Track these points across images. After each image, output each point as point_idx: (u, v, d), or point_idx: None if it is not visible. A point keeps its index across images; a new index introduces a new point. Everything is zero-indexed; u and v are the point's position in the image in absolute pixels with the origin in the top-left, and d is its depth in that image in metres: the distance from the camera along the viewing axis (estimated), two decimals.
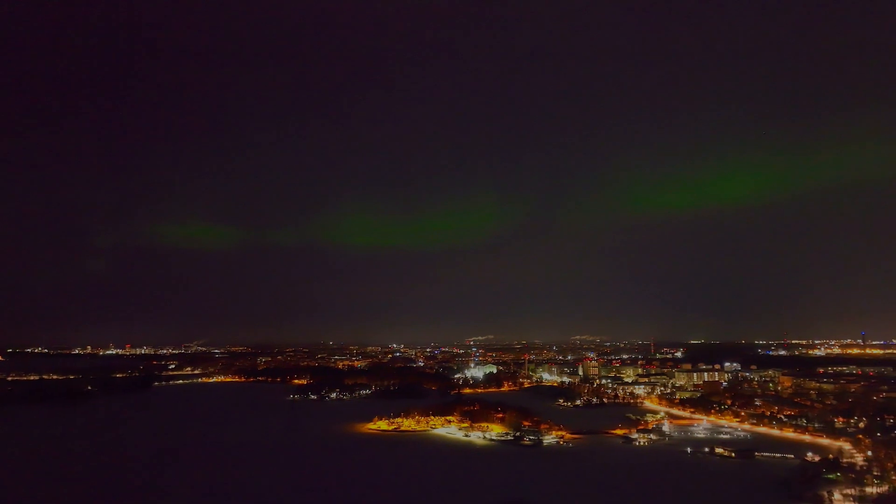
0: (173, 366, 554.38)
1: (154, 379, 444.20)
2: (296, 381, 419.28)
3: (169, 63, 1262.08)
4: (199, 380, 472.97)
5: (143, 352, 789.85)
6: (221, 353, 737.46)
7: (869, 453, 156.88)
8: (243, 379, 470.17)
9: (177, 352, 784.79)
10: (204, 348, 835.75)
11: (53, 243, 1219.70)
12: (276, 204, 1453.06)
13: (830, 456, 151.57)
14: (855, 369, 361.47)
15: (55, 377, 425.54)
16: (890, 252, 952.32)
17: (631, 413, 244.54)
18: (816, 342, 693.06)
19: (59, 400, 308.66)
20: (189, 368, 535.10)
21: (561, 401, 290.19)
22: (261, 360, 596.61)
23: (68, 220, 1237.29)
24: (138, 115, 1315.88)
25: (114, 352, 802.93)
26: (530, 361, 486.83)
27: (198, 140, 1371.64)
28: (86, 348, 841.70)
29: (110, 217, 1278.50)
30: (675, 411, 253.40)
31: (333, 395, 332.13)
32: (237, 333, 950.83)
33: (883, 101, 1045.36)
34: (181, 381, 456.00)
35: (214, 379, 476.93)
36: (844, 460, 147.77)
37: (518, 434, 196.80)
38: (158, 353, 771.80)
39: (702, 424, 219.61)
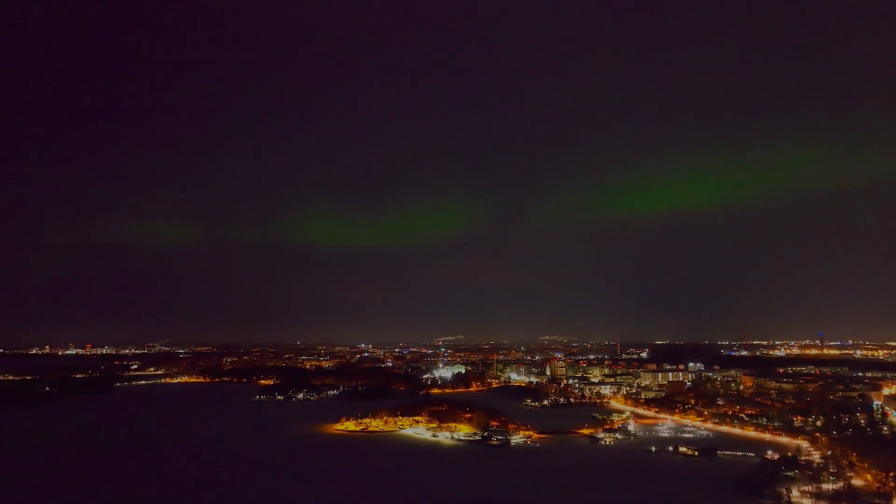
0: (136, 366, 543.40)
1: (115, 379, 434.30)
2: (262, 381, 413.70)
3: (133, 60, 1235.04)
4: (163, 380, 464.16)
5: (104, 352, 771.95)
6: (186, 353, 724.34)
7: (826, 451, 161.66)
8: (208, 379, 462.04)
9: (139, 352, 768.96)
10: (168, 348, 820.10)
11: (9, 239, 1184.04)
12: (242, 202, 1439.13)
13: (789, 454, 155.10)
14: (813, 369, 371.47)
15: (11, 378, 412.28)
16: (846, 257, 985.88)
17: (597, 413, 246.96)
18: (777, 343, 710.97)
19: (15, 402, 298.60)
20: (152, 369, 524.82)
21: (529, 401, 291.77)
22: (226, 361, 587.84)
23: (24, 216, 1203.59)
24: (99, 111, 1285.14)
25: (73, 352, 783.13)
26: (499, 361, 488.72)
27: (161, 136, 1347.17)
28: (44, 348, 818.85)
29: (69, 213, 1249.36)
30: (640, 411, 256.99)
31: (300, 396, 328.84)
32: (202, 333, 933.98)
33: (842, 112, 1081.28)
34: (144, 382, 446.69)
35: (178, 379, 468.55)
36: (802, 458, 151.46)
37: (486, 434, 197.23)
38: (120, 353, 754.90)
39: (666, 424, 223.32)
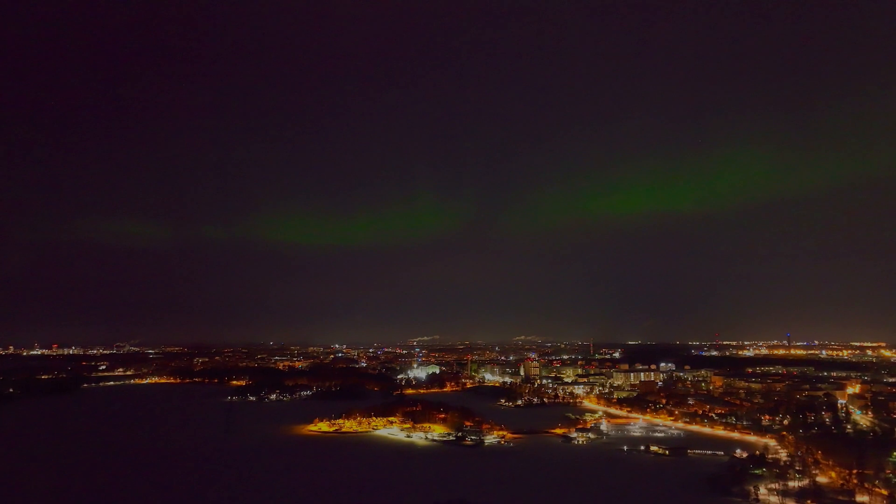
0: (104, 367, 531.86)
1: (83, 380, 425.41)
2: (234, 382, 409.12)
3: (103, 59, 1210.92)
4: (132, 381, 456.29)
5: (71, 352, 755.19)
6: (156, 353, 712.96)
7: (792, 449, 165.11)
8: (179, 380, 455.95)
9: (108, 352, 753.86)
10: (137, 349, 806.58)
11: None
12: (212, 200, 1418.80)
13: (757, 452, 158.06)
14: (780, 369, 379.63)
15: None
16: (813, 260, 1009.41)
17: (570, 413, 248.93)
18: (746, 343, 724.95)
19: None
20: (121, 369, 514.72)
21: (503, 401, 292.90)
22: (197, 361, 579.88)
23: None
24: (67, 109, 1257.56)
25: (39, 352, 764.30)
26: (473, 362, 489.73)
27: (130, 133, 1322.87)
28: (8, 348, 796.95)
29: (33, 210, 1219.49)
30: (612, 410, 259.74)
31: (273, 397, 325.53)
32: (172, 333, 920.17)
33: (814, 119, 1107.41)
34: (112, 383, 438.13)
35: (148, 380, 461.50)
36: (770, 456, 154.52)
37: (460, 434, 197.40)
38: (88, 353, 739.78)
39: (638, 423, 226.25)
